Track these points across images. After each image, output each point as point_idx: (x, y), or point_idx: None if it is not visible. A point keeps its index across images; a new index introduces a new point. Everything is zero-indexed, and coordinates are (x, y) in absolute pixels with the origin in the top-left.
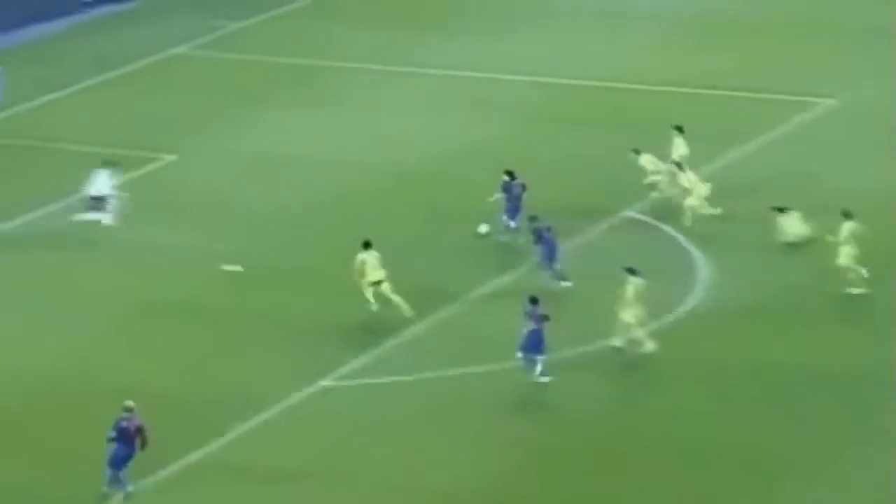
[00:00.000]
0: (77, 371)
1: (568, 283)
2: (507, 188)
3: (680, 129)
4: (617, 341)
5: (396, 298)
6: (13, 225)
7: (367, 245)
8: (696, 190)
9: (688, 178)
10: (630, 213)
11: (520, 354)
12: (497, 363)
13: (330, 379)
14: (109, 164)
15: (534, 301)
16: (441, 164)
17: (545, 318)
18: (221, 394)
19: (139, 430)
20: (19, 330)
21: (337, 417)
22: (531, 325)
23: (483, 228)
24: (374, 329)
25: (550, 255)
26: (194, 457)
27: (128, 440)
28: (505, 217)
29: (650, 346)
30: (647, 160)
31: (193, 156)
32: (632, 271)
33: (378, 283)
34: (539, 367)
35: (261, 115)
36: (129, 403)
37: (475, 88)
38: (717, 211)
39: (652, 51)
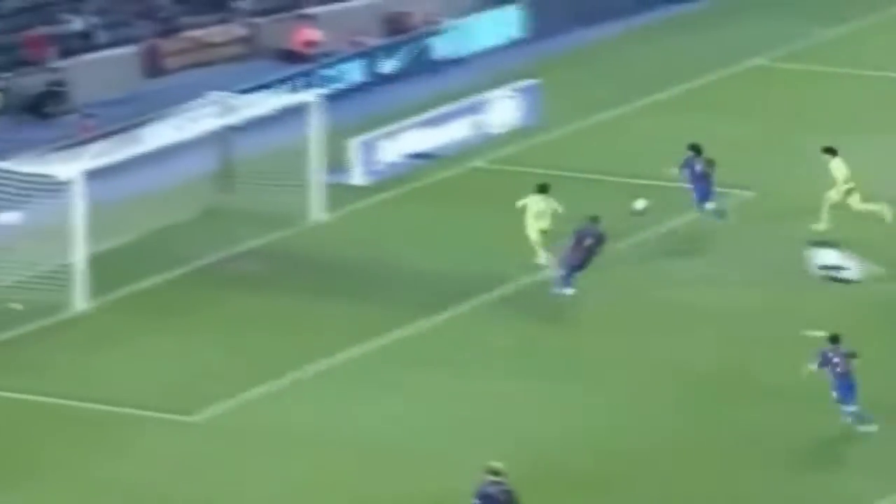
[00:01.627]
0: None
1: (570, 291)
2: (688, 164)
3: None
4: None
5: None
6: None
7: (542, 188)
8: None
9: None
10: None
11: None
12: None
13: None
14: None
15: (834, 340)
16: None
17: (851, 356)
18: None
19: (509, 499)
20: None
21: None
22: (836, 369)
23: (639, 204)
24: None
25: (577, 263)
26: None
27: None
28: (695, 200)
29: None
30: (838, 166)
31: (773, 193)
32: None
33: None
34: (855, 416)
35: (856, 145)
36: (497, 465)
37: None
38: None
39: None
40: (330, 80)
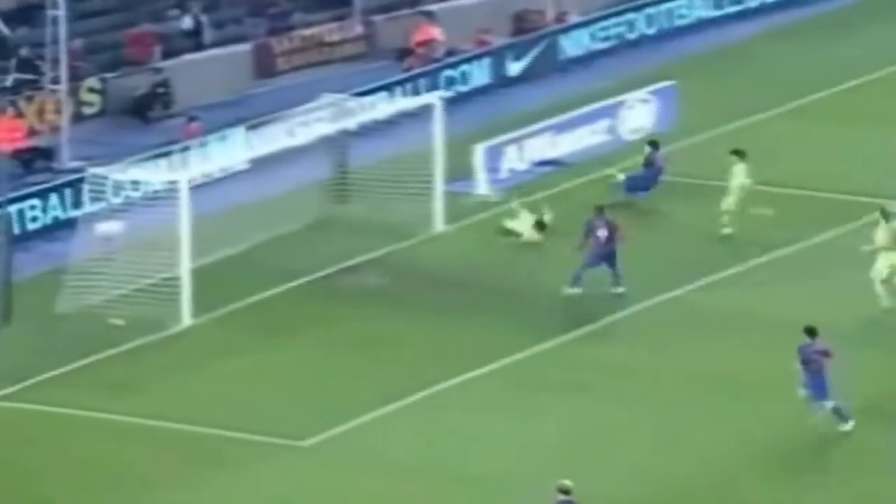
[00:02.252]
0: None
1: (577, 291)
2: (651, 161)
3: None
4: None
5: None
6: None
7: (540, 226)
8: None
9: None
10: None
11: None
12: None
13: None
14: None
15: (810, 332)
16: None
17: (825, 353)
18: None
19: None
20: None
21: None
22: (810, 366)
23: (621, 176)
24: None
25: (595, 261)
26: None
27: None
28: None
29: None
30: (742, 171)
31: None
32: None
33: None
34: (827, 413)
35: None
36: (567, 483)
37: None
38: None
39: None
40: (453, 81)
